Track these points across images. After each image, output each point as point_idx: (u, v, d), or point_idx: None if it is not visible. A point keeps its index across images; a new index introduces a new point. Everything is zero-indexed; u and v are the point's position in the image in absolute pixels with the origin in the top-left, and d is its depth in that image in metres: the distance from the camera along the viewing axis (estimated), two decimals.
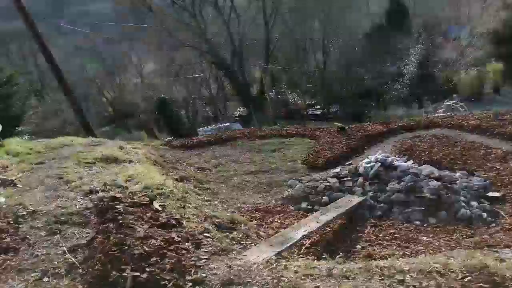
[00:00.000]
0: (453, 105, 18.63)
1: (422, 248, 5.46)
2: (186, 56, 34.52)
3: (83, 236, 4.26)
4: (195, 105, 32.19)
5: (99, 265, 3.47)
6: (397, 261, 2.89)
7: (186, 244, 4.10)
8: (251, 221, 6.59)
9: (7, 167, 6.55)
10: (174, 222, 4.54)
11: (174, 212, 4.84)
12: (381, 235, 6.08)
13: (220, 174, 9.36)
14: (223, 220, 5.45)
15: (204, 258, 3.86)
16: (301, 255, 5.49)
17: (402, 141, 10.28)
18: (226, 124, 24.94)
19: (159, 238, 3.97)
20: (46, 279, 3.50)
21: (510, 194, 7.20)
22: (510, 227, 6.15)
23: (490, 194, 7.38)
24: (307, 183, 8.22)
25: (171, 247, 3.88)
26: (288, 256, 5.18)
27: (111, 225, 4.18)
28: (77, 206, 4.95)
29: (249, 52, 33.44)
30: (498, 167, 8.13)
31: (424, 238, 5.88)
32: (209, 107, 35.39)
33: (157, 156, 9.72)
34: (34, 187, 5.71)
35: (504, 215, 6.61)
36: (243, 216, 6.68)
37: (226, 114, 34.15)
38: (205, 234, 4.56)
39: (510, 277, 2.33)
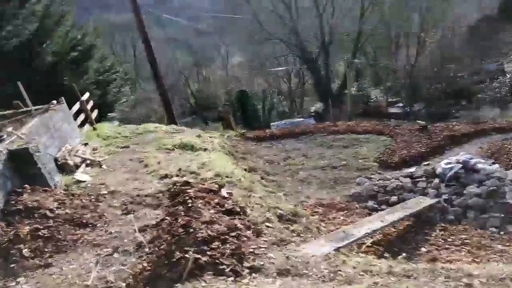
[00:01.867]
0: None
1: (495, 256, 5.10)
2: (271, 49, 34.82)
3: (153, 217, 4.61)
4: (273, 99, 32.41)
5: (165, 245, 3.68)
6: (466, 265, 2.78)
7: (248, 232, 4.23)
8: (313, 215, 6.63)
9: (97, 149, 7.35)
10: (238, 209, 4.69)
11: (240, 200, 5.01)
12: (449, 240, 5.78)
13: (288, 167, 9.48)
14: (285, 212, 5.50)
15: (264, 247, 3.95)
16: (361, 253, 5.42)
17: (491, 143, 9.49)
18: (300, 119, 24.77)
19: (222, 223, 4.11)
20: (116, 255, 3.85)
21: None
22: None
23: None
24: (377, 182, 8.00)
25: (233, 234, 3.99)
26: (348, 253, 5.15)
27: (180, 207, 4.45)
28: (152, 189, 5.38)
29: (337, 46, 32.73)
30: None
31: (499, 246, 5.47)
32: (286, 101, 35.38)
33: (230, 146, 10.11)
34: (117, 169, 6.34)
35: None
36: (305, 210, 6.72)
37: (302, 109, 33.89)
38: (267, 224, 4.66)
39: None
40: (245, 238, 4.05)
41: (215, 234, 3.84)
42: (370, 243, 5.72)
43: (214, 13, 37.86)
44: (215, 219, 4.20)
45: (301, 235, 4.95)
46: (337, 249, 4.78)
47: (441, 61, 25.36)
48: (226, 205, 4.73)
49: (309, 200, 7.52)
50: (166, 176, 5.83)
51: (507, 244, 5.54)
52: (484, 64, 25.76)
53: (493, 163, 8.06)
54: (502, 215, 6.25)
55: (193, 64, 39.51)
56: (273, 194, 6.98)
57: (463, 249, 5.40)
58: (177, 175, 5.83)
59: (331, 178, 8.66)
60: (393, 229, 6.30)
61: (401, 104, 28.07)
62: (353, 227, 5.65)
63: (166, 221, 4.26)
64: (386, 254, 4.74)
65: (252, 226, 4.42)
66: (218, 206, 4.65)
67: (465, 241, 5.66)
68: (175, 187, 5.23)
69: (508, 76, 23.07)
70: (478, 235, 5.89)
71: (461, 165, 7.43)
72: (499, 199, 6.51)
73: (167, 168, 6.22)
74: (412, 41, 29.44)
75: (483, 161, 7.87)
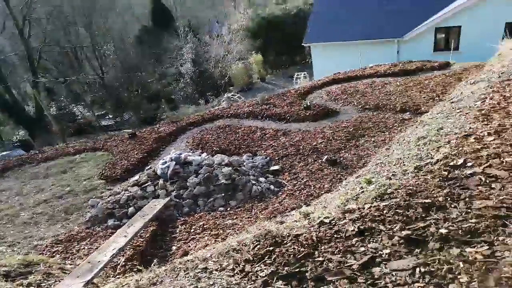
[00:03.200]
0: (232, 97, 20.69)
1: (230, 230, 5.94)
2: None
3: None
4: None
5: None
6: (200, 252, 3.08)
7: None
8: (53, 256, 5.92)
9: None
10: None
11: None
12: (192, 230, 6.28)
13: (3, 213, 7.86)
14: (11, 266, 4.65)
15: None
16: (118, 276, 5.20)
17: (193, 136, 10.86)
18: (3, 153, 20.83)
19: None
20: None
21: (286, 165, 8.56)
22: (291, 192, 7.33)
23: (272, 168, 8.58)
24: (108, 199, 7.77)
25: None
26: (103, 281, 4.83)
27: None
28: None
29: (11, 67, 28.69)
30: (272, 144, 9.56)
31: (230, 221, 6.38)
32: None
33: None
34: None
35: (285, 183, 7.83)
36: (42, 254, 5.96)
37: (2, 141, 28.51)
38: None
39: (287, 234, 2.80)
40: None
41: None
42: (124, 261, 5.54)
43: None
44: None
45: (42, 285, 4.39)
46: (88, 282, 4.42)
47: (125, 70, 26.93)
48: None
49: (44, 241, 6.49)
50: None
51: (234, 217, 6.58)
52: (165, 69, 29.07)
53: (201, 153, 9.33)
54: (223, 194, 7.36)
55: None
56: None
57: (205, 234, 6.00)
58: None
59: (61, 210, 7.76)
60: (141, 239, 6.29)
61: (111, 116, 28.09)
62: (97, 253, 5.30)
63: None
64: (140, 267, 4.71)
65: None
66: None
67: (204, 226, 6.30)
68: None
69: (186, 76, 27.00)
70: (212, 217, 6.67)
71: (174, 161, 8.11)
72: (215, 181, 7.59)
73: None
74: (90, 55, 29.84)
75: (191, 153, 8.95)
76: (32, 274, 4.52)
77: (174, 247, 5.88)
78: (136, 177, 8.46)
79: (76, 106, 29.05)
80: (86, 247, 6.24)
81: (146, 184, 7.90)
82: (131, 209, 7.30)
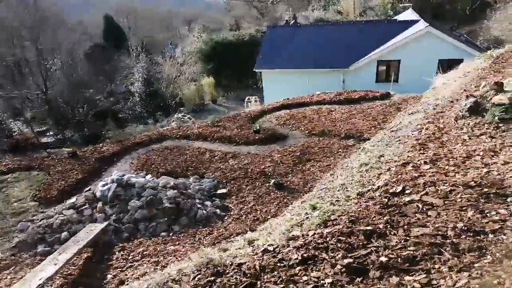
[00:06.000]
0: (182, 117, 20.39)
1: (171, 257, 5.66)
2: None
3: None
4: None
5: None
6: (136, 282, 2.88)
7: None
8: None
9: None
10: None
11: None
12: (130, 257, 5.92)
13: None
14: None
15: None
16: None
17: (138, 157, 10.47)
18: None
19: None
20: None
21: (234, 188, 8.46)
22: (238, 217, 7.22)
23: (219, 191, 8.44)
24: (40, 222, 7.19)
25: None
26: None
27: None
28: None
29: None
30: (221, 166, 9.45)
31: (172, 247, 6.11)
32: None
33: None
34: None
35: (232, 207, 7.71)
36: None
37: None
38: None
39: (230, 263, 2.70)
40: None
41: None
42: None
43: None
44: None
45: None
46: None
47: (73, 86, 25.85)
48: None
49: None
50: None
51: (177, 243, 6.31)
52: (114, 87, 28.27)
53: (146, 174, 8.99)
54: (166, 218, 7.07)
55: None
56: None
57: (144, 261, 5.67)
58: None
59: None
60: (73, 267, 5.83)
61: (51, 132, 26.54)
62: (21, 284, 4.83)
63: None
64: None
65: None
66: None
67: (144, 253, 5.97)
68: None
69: (136, 95, 26.37)
70: (153, 243, 6.35)
71: (116, 183, 7.71)
72: (159, 205, 7.29)
73: None
74: (35, 70, 28.41)
75: (135, 175, 8.58)
76: None
77: (109, 276, 5.49)
78: (73, 199, 7.92)
79: (14, 122, 27.17)
80: (9, 277, 5.68)
81: (84, 207, 7.42)
82: (64, 234, 6.79)
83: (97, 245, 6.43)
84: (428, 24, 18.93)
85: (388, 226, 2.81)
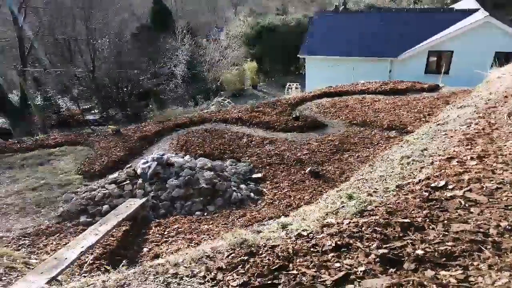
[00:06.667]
0: (222, 101, 20.61)
1: (205, 236, 5.81)
2: None
3: None
4: None
5: None
6: (172, 256, 2.97)
7: None
8: (18, 250, 5.71)
9: None
10: None
11: None
12: (165, 233, 6.13)
13: None
14: None
15: None
16: (84, 274, 5.03)
17: (178, 138, 10.71)
18: None
19: None
20: None
21: (269, 173, 8.50)
22: (271, 201, 7.27)
23: (254, 175, 8.51)
24: (84, 194, 7.57)
25: None
26: (68, 279, 4.66)
27: None
28: None
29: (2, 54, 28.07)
30: (257, 151, 9.50)
31: (205, 226, 6.26)
32: None
33: None
34: None
35: (266, 192, 7.76)
36: (7, 246, 5.72)
37: None
38: None
39: (263, 245, 2.73)
40: None
41: None
42: (92, 260, 5.36)
43: None
44: None
45: (3, 279, 4.23)
46: (52, 279, 4.25)
47: (119, 66, 26.61)
48: None
49: (10, 233, 6.25)
50: None
51: (211, 222, 6.46)
52: (158, 68, 28.85)
53: (184, 155, 9.20)
54: (202, 198, 7.24)
55: None
56: None
57: (179, 238, 5.86)
58: None
59: (32, 202, 7.48)
60: (112, 238, 6.11)
61: (96, 110, 27.67)
62: (65, 250, 5.12)
63: None
64: (108, 267, 4.56)
65: None
66: None
67: (179, 229, 6.16)
68: None
69: (179, 77, 26.86)
70: (188, 221, 6.53)
71: (156, 162, 7.97)
72: (196, 185, 7.47)
73: None
74: (84, 48, 29.41)
75: (174, 155, 8.81)
76: None
77: (145, 249, 5.71)
78: (115, 174, 8.27)
79: (62, 98, 28.47)
80: (54, 243, 6.02)
81: (125, 183, 7.72)
82: (105, 207, 7.12)
83: (135, 219, 6.70)
84: (487, 14, 17.80)
85: (427, 220, 2.72)
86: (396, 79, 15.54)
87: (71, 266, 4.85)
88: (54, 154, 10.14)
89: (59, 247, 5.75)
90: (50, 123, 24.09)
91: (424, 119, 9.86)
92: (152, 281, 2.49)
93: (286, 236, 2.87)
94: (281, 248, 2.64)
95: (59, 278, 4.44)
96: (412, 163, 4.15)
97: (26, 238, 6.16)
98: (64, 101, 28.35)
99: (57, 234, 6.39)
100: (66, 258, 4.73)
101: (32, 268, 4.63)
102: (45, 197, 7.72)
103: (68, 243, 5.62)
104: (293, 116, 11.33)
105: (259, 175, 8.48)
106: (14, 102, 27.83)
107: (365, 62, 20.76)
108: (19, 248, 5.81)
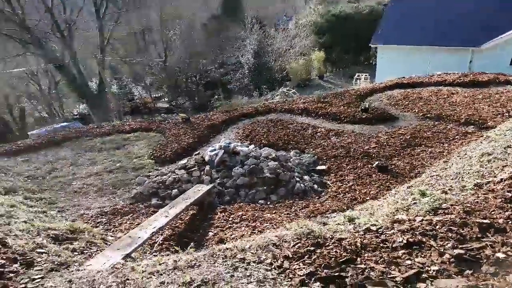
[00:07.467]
0: (287, 92, 20.57)
1: (267, 224, 5.90)
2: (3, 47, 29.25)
3: None
4: (22, 104, 27.75)
5: None
6: (239, 241, 3.07)
7: (14, 266, 3.51)
8: (96, 226, 6.17)
9: None
10: None
11: None
12: (230, 219, 6.31)
13: (57, 180, 8.37)
14: (61, 231, 4.91)
15: (39, 277, 3.36)
16: (154, 253, 5.37)
17: (244, 127, 10.91)
18: (63, 124, 22.34)
19: None
20: None
21: (333, 166, 8.35)
22: (335, 194, 7.14)
23: (318, 167, 8.41)
24: (155, 178, 8.03)
25: None
26: (140, 256, 5.00)
27: None
28: None
29: (82, 43, 30.37)
30: (323, 143, 9.37)
31: (268, 215, 6.34)
32: (42, 105, 30.91)
33: None
34: None
35: (330, 185, 7.65)
36: (87, 223, 6.20)
37: (64, 112, 30.45)
38: (38, 250, 4.02)
39: (330, 237, 2.71)
40: (12, 274, 3.38)
41: None
42: (161, 240, 5.70)
43: None
44: None
45: (85, 252, 4.55)
46: (127, 256, 4.58)
47: (189, 56, 27.52)
48: None
49: (90, 211, 6.84)
50: None
51: (274, 211, 6.53)
52: (225, 58, 29.38)
53: (249, 144, 9.36)
54: (265, 188, 7.34)
55: None
56: (44, 214, 6.06)
57: (242, 225, 6.01)
58: None
59: (109, 183, 8.11)
60: (180, 221, 6.44)
61: (166, 99, 29.03)
62: (138, 229, 5.48)
63: None
64: (177, 248, 4.81)
65: (19, 258, 3.74)
66: None
67: (243, 217, 6.31)
68: None
69: (246, 67, 27.18)
70: (251, 209, 6.67)
71: (223, 150, 8.20)
72: (260, 174, 7.58)
73: None
74: (157, 37, 30.69)
75: (240, 144, 8.99)
76: (77, 241, 4.75)
77: (210, 233, 5.93)
78: (184, 160, 8.65)
79: (135, 86, 30.22)
80: (128, 222, 6.47)
81: (193, 169, 8.05)
82: (175, 191, 7.50)
83: (202, 204, 6.98)
84: None
85: (510, 222, 2.52)
86: (477, 71, 14.34)
87: (144, 245, 5.20)
88: (129, 139, 10.85)
89: (132, 227, 6.17)
90: (124, 110, 25.77)
91: (507, 114, 9.04)
92: (221, 264, 2.59)
93: (354, 230, 2.82)
94: (348, 241, 2.61)
95: (132, 255, 4.78)
96: (494, 161, 3.85)
97: (103, 217, 6.68)
98: (137, 89, 30.09)
99: (131, 214, 6.85)
100: (139, 237, 5.07)
101: (109, 244, 5.03)
102: (120, 179, 8.31)
103: (140, 223, 6.02)
104: (362, 107, 10.99)
105: (323, 167, 8.37)
106: (93, 90, 30.17)
107: (443, 52, 19.36)
108: (97, 225, 6.31)
